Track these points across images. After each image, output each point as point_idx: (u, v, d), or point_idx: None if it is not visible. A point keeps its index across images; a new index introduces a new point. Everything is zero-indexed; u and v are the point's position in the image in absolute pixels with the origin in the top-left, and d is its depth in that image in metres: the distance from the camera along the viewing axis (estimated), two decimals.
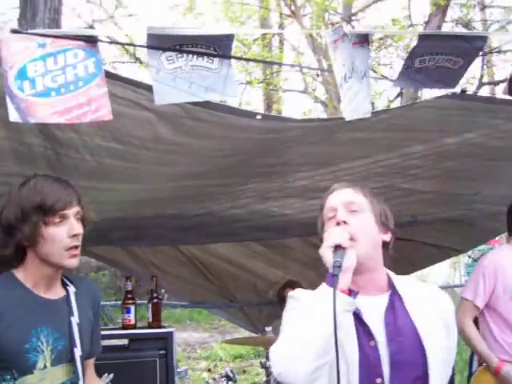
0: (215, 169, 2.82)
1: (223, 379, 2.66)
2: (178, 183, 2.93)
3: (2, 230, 2.19)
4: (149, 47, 1.87)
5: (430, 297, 2.08)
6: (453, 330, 2.07)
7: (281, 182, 3.18)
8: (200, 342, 11.88)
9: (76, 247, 2.20)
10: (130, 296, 4.24)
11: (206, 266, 5.49)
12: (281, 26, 14.89)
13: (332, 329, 1.73)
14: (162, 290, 4.85)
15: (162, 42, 1.86)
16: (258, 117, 2.30)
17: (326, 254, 1.88)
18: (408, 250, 5.33)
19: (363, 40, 2.10)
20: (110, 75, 1.86)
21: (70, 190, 2.19)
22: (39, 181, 2.18)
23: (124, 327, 4.20)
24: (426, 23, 10.93)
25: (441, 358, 1.96)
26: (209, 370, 2.53)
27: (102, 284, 14.85)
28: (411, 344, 1.94)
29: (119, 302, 6.63)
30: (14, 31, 1.78)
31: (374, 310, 1.98)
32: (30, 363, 2.13)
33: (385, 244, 2.08)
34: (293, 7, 13.58)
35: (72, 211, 2.17)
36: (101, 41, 1.84)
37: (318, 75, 13.47)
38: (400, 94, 11.95)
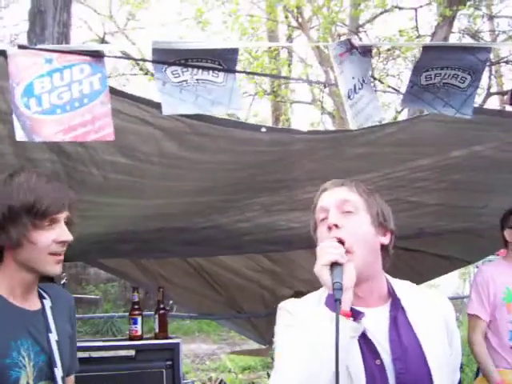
0: (222, 184, 2.83)
1: None
2: (184, 198, 2.95)
3: None
4: (154, 62, 1.89)
5: (430, 302, 1.95)
6: (456, 334, 1.98)
7: (287, 197, 3.19)
8: (209, 354, 11.85)
9: (61, 253, 1.99)
10: (136, 307, 4.24)
11: (213, 276, 5.49)
12: (289, 39, 14.95)
13: (328, 363, 1.61)
14: (170, 302, 4.86)
15: (167, 57, 1.88)
16: (263, 129, 2.31)
17: (323, 273, 1.72)
18: (416, 261, 5.32)
19: (366, 51, 2.11)
20: (114, 92, 1.89)
21: (63, 192, 1.98)
22: (32, 178, 1.94)
23: (131, 338, 4.21)
24: (433, 34, 10.93)
25: (445, 368, 1.87)
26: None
27: (112, 295, 14.87)
28: (415, 360, 1.82)
29: (127, 314, 6.66)
30: (21, 47, 1.80)
31: (376, 324, 1.84)
32: (11, 380, 1.89)
33: (384, 247, 1.92)
34: (300, 19, 13.64)
35: (63, 215, 1.97)
36: (107, 56, 1.86)
37: (325, 87, 13.50)
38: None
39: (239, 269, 5.39)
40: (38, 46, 1.86)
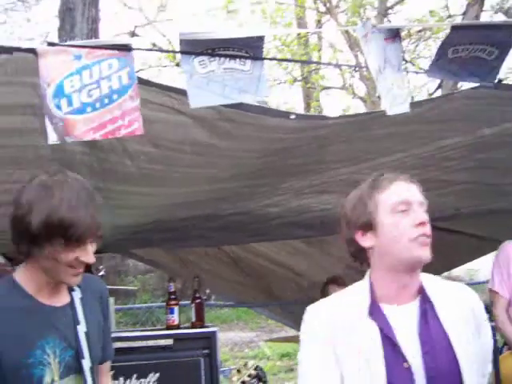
0: (251, 169, 2.84)
1: (254, 380, 2.60)
2: (213, 185, 2.97)
3: (18, 233, 1.94)
4: (181, 52, 1.91)
5: (456, 294, 1.99)
6: (485, 325, 2.02)
7: (317, 179, 3.18)
8: (247, 342, 11.93)
9: (80, 269, 1.98)
10: (173, 297, 4.29)
11: (249, 265, 5.51)
12: (318, 24, 14.84)
13: None
14: (207, 291, 4.89)
15: (194, 47, 1.89)
16: (292, 116, 2.31)
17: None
18: (454, 243, 5.26)
19: (395, 35, 2.09)
20: (143, 82, 1.91)
21: (96, 219, 1.93)
22: (73, 195, 1.89)
23: (168, 328, 4.26)
24: (464, 14, 10.75)
25: (475, 360, 1.89)
26: (238, 371, 2.51)
27: (150, 286, 15.06)
28: (444, 354, 1.84)
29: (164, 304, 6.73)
30: (50, 44, 1.83)
31: (407, 321, 1.88)
32: (35, 379, 1.91)
33: None
34: (328, 4, 13.53)
35: (93, 238, 1.95)
36: (134, 49, 1.88)
37: (355, 71, 13.39)
38: (440, 87, 11.79)
39: (273, 256, 5.39)
40: (67, 43, 1.89)
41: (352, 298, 1.95)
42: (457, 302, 1.95)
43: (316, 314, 1.99)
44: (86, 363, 2.02)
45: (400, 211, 1.89)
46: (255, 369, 2.56)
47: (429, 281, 1.98)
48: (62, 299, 2.06)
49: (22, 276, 1.99)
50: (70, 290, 2.09)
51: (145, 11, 16.89)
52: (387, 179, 1.97)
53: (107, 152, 2.45)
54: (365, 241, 1.95)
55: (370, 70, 2.05)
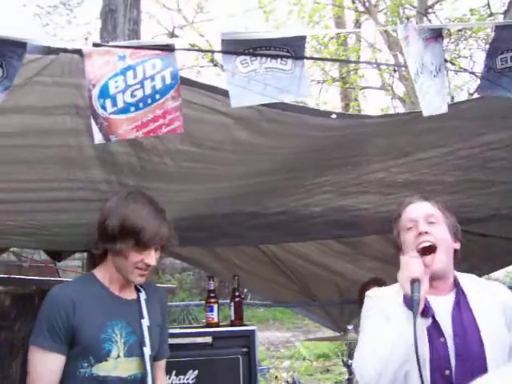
0: (289, 164, 2.86)
1: None
2: (255, 179, 2.99)
3: (100, 233, 2.45)
4: (223, 52, 1.92)
5: (489, 290, 2.36)
6: None
7: (356, 174, 3.17)
8: (283, 342, 11.94)
9: (146, 270, 2.47)
10: (212, 295, 4.33)
11: (287, 264, 5.51)
12: (356, 24, 14.77)
13: (406, 350, 2.09)
14: (245, 290, 4.92)
15: (235, 47, 1.90)
16: (333, 116, 2.32)
17: (405, 286, 2.17)
18: (494, 246, 5.19)
19: (437, 35, 2.07)
20: (185, 81, 1.93)
21: (165, 226, 2.45)
22: (144, 209, 2.42)
23: (208, 325, 4.30)
24: (506, 12, 10.56)
25: (500, 347, 2.23)
26: (276, 378, 2.55)
27: (187, 284, 15.18)
28: (473, 338, 2.23)
29: (203, 302, 6.77)
30: (95, 45, 1.87)
31: (443, 308, 2.29)
32: (104, 352, 2.40)
33: (455, 251, 2.39)
34: (367, 4, 13.45)
35: (155, 246, 2.44)
36: (177, 49, 1.90)
37: (394, 71, 13.27)
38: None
39: (312, 256, 5.38)
40: (111, 43, 1.92)
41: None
42: (489, 296, 2.33)
43: (375, 292, 2.47)
44: (147, 351, 2.50)
45: (408, 228, 2.35)
46: (292, 378, 2.67)
47: (465, 278, 2.40)
48: (129, 294, 2.57)
49: (100, 272, 2.54)
50: (137, 290, 2.60)
51: (183, 12, 17.04)
52: (403, 204, 2.46)
53: (149, 152, 2.49)
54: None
55: (409, 70, 2.04)
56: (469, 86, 12.94)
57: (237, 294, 4.39)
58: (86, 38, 15.65)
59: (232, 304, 4.35)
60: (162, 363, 2.78)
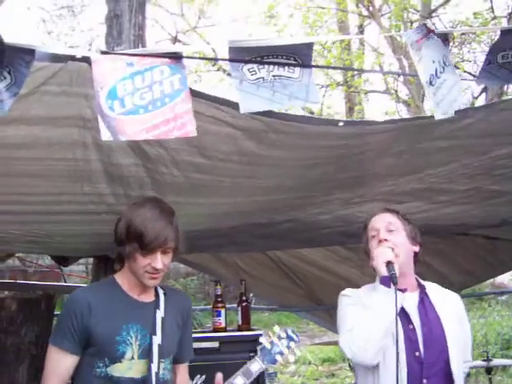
0: (300, 181, 2.86)
1: (284, 341, 2.78)
2: (263, 196, 2.99)
3: (114, 237, 2.51)
4: (231, 60, 1.92)
5: (446, 297, 2.85)
6: (465, 320, 2.86)
7: (365, 191, 3.18)
8: None
9: (156, 273, 2.48)
10: (219, 300, 4.33)
11: (292, 269, 5.51)
12: (360, 28, 14.77)
13: (388, 321, 2.53)
14: (251, 294, 4.91)
15: (243, 55, 1.90)
16: (341, 124, 2.31)
17: (381, 268, 2.61)
18: (499, 250, 5.18)
19: (444, 39, 2.07)
20: (193, 93, 1.91)
21: (169, 229, 2.44)
22: (147, 213, 2.43)
23: (215, 330, 4.30)
24: (510, 15, 10.54)
25: (457, 341, 2.70)
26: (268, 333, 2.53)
27: (191, 289, 15.13)
28: (436, 327, 2.70)
29: (208, 307, 6.75)
30: (104, 52, 1.87)
31: (410, 302, 2.71)
32: (119, 353, 2.44)
33: (415, 254, 2.80)
34: (371, 8, 13.45)
35: (160, 249, 2.43)
36: (186, 57, 1.90)
37: (399, 75, 13.27)
38: (484, 90, 11.61)
39: (317, 260, 5.37)
40: (120, 51, 1.93)
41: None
42: (445, 298, 2.83)
43: (351, 291, 2.86)
44: (156, 340, 2.52)
45: (372, 236, 2.77)
46: (285, 331, 2.80)
47: (428, 284, 2.86)
48: (148, 297, 2.60)
49: (120, 277, 2.59)
50: (157, 292, 2.63)
51: (186, 17, 17.05)
52: (370, 216, 2.85)
53: (155, 162, 2.49)
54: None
55: (420, 74, 2.02)
56: (473, 90, 12.91)
57: (244, 298, 4.39)
58: (90, 44, 15.68)
59: (239, 309, 4.35)
60: (184, 367, 2.88)
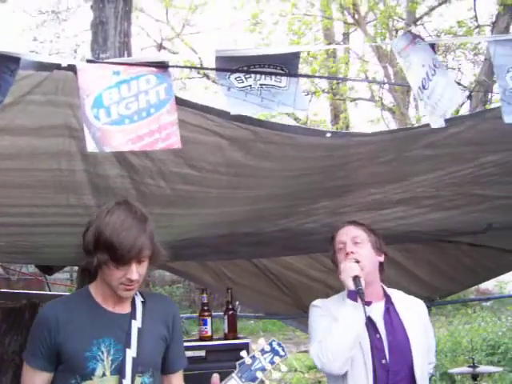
0: (287, 191, 2.86)
1: (267, 355, 2.43)
2: (250, 206, 2.98)
3: (83, 245, 2.32)
4: (217, 70, 1.92)
5: (411, 304, 2.99)
6: (429, 326, 3.03)
7: (352, 200, 3.19)
8: None
9: (131, 285, 2.29)
10: (206, 308, 4.31)
11: (279, 277, 5.50)
12: (345, 35, 14.83)
13: (355, 334, 2.69)
14: (237, 302, 4.89)
15: (230, 64, 1.90)
16: (328, 135, 2.31)
17: (349, 282, 2.74)
18: (482, 257, 5.20)
19: (431, 45, 2.07)
20: (179, 101, 1.91)
21: (144, 237, 2.23)
22: (118, 221, 2.21)
23: (201, 339, 4.27)
24: (494, 23, 10.63)
25: (420, 347, 2.86)
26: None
27: (177, 297, 15.09)
28: (401, 336, 2.84)
29: (194, 315, 6.72)
30: (90, 61, 1.86)
31: (376, 312, 2.85)
32: (89, 370, 2.28)
33: (380, 263, 2.94)
34: (356, 16, 13.52)
35: (136, 259, 2.23)
36: (172, 66, 1.90)
37: (384, 83, 13.33)
38: (469, 98, 11.69)
39: (304, 269, 5.38)
40: (106, 60, 1.92)
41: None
42: (410, 305, 2.97)
43: (321, 302, 3.00)
44: (130, 353, 2.34)
45: (339, 249, 2.90)
46: (270, 344, 2.48)
47: (394, 291, 2.99)
48: (124, 309, 2.42)
49: (94, 287, 2.42)
50: (133, 301, 2.44)
51: (171, 25, 17.04)
52: (335, 229, 2.96)
53: (142, 174, 2.47)
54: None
55: (411, 81, 2.01)
56: (457, 98, 12.96)
57: (230, 307, 4.37)
58: (75, 51, 15.62)
59: (226, 317, 4.33)
60: (178, 375, 2.69)
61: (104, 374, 2.30)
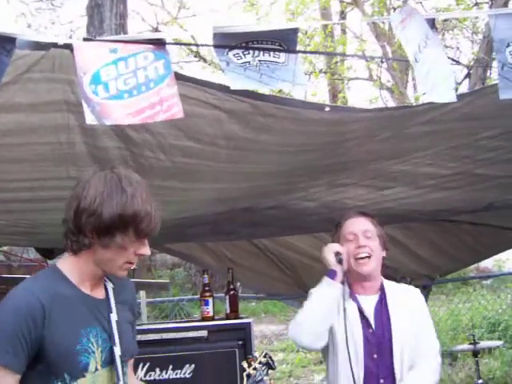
0: (285, 166, 2.86)
1: (264, 367, 2.56)
2: (250, 182, 2.98)
3: (82, 222, 2.01)
4: (215, 46, 1.91)
5: (406, 297, 3.04)
6: (426, 317, 3.08)
7: (351, 178, 3.18)
8: (276, 334, 11.93)
9: (134, 263, 2.11)
10: (207, 289, 4.31)
11: (279, 257, 5.51)
12: (342, 14, 14.74)
13: (325, 309, 2.87)
14: (238, 283, 4.89)
15: (227, 41, 1.89)
16: (327, 109, 2.31)
17: (330, 258, 2.91)
18: (483, 235, 5.20)
19: (431, 25, 2.06)
20: (178, 76, 1.90)
21: (158, 214, 2.05)
22: (143, 193, 2.01)
23: (203, 319, 4.28)
24: (492, 1, 10.54)
25: (402, 344, 2.90)
26: (248, 362, 2.53)
27: (179, 280, 15.11)
28: (386, 330, 2.92)
29: (195, 297, 6.72)
30: (86, 39, 1.85)
31: (369, 305, 2.98)
32: (81, 366, 2.00)
33: (383, 258, 3.04)
34: None
35: (154, 232, 2.06)
36: (169, 43, 1.88)
37: (382, 62, 13.27)
38: (468, 76, 11.63)
39: (305, 249, 5.38)
40: (102, 38, 1.90)
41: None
42: (406, 299, 3.03)
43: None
44: (117, 351, 2.09)
45: (349, 240, 2.97)
46: (264, 356, 2.58)
47: (389, 285, 3.07)
48: (100, 293, 2.15)
49: (67, 267, 2.09)
50: (105, 284, 2.18)
51: (166, 8, 16.94)
52: (344, 217, 3.05)
53: (141, 147, 2.46)
54: None
55: (408, 54, 2.00)
56: (456, 77, 12.93)
57: (231, 287, 4.37)
58: (70, 37, 15.52)
59: (227, 297, 4.33)
60: (131, 362, 2.35)
61: (96, 369, 2.03)
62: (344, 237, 2.99)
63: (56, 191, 2.78)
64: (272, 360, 2.59)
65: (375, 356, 2.89)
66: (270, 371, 2.57)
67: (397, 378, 2.89)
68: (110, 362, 2.08)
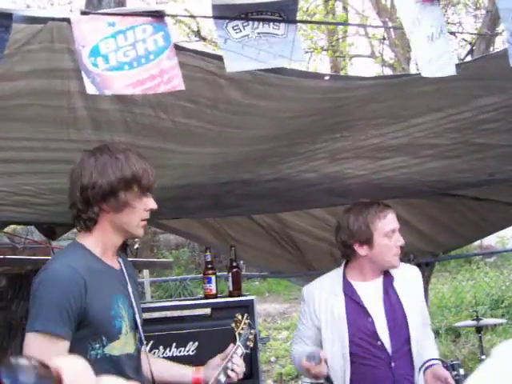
0: (285, 130, 2.84)
1: (248, 327, 2.88)
2: (249, 146, 2.97)
3: (89, 195, 2.24)
4: (214, 17, 1.89)
5: (407, 275, 3.16)
6: (422, 295, 3.18)
7: (352, 141, 3.15)
8: (280, 313, 12.01)
9: (146, 219, 2.35)
10: (210, 266, 4.31)
11: (282, 235, 5.52)
12: None
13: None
14: (241, 262, 4.89)
15: (227, 12, 1.88)
16: (326, 77, 2.30)
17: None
18: (486, 211, 5.20)
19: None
20: (179, 48, 1.90)
21: (153, 170, 2.33)
22: (133, 156, 2.31)
23: (206, 297, 4.30)
24: None
25: (416, 322, 3.02)
26: (234, 322, 2.63)
27: (183, 261, 15.19)
28: (399, 313, 3.00)
29: (199, 275, 6.76)
30: (84, 13, 1.83)
31: (372, 291, 3.06)
32: (116, 329, 2.23)
33: None
34: None
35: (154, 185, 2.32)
36: (167, 15, 1.87)
37: (384, 38, 13.16)
38: (470, 52, 11.55)
39: (307, 228, 5.39)
40: (100, 11, 1.89)
41: (330, 279, 3.21)
42: (407, 278, 3.15)
43: (307, 289, 3.33)
44: (138, 319, 2.35)
45: (388, 236, 3.05)
46: (247, 318, 2.87)
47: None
48: (117, 264, 2.40)
49: (89, 241, 2.30)
50: (118, 260, 2.42)
51: None
52: (383, 213, 3.09)
53: (142, 106, 2.45)
54: (361, 250, 3.09)
55: (404, 27, 2.00)
56: (459, 53, 12.85)
57: (234, 264, 4.38)
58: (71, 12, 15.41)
59: (230, 275, 4.34)
60: None
61: (127, 332, 2.27)
62: (383, 231, 3.06)
63: (58, 153, 2.79)
64: (252, 322, 2.94)
65: (379, 343, 2.97)
66: (253, 331, 2.90)
67: (413, 351, 2.98)
68: (134, 327, 2.33)
